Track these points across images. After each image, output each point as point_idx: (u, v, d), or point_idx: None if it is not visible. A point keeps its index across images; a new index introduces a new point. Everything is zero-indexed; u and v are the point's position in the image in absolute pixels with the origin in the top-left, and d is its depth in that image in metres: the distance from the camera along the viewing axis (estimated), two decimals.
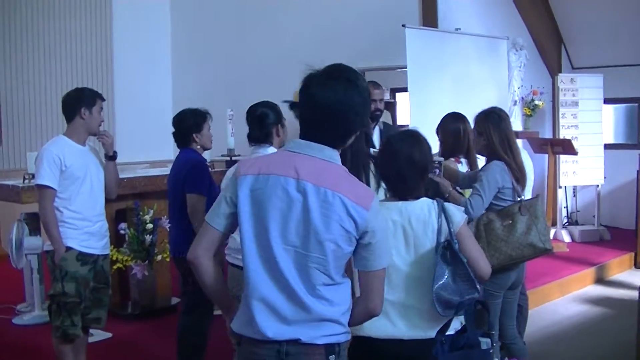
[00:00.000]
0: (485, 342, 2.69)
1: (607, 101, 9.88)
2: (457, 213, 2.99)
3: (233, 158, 7.43)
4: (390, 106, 11.09)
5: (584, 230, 9.65)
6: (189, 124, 4.57)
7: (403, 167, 2.94)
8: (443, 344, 2.65)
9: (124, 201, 6.13)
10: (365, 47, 8.61)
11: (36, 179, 4.32)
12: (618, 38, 9.98)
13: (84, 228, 4.34)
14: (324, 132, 2.42)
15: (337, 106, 2.37)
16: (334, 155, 2.45)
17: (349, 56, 8.61)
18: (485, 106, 5.22)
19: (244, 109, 4.24)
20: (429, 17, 8.40)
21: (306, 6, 9.12)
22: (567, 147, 8.65)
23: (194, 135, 4.56)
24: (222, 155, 7.58)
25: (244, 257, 2.42)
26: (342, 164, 3.91)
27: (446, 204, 3.00)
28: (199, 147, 4.60)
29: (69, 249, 4.29)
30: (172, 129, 4.64)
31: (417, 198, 2.97)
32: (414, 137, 3.04)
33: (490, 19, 9.38)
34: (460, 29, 8.42)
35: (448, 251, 2.87)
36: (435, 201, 2.98)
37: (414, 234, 2.90)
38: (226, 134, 7.54)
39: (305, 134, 2.45)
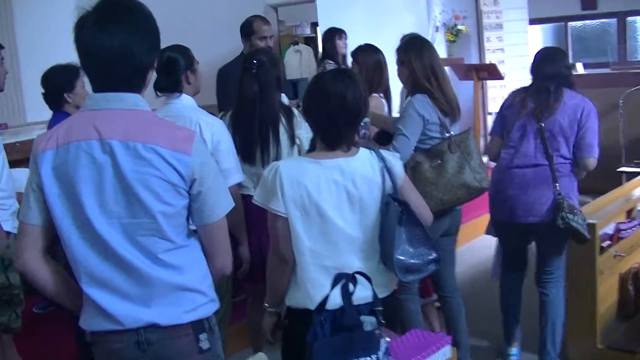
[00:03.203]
0: (369, 322, 2.30)
1: (533, 22, 9.57)
2: (397, 164, 2.69)
3: None
4: (312, 41, 10.64)
5: None
6: (59, 83, 4.07)
7: (333, 110, 2.56)
8: (323, 325, 2.25)
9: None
10: None
11: None
12: None
13: (12, 207, 3.61)
14: (114, 77, 2.04)
15: (116, 47, 2.00)
16: (137, 100, 2.08)
17: None
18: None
19: None
20: None
21: None
22: (493, 72, 8.36)
23: (65, 95, 4.06)
24: None
25: (66, 246, 2.05)
26: (249, 120, 3.59)
27: (384, 153, 2.68)
28: (72, 107, 4.07)
29: (7, 233, 3.52)
30: (42, 90, 4.13)
31: (349, 148, 2.61)
32: (347, 76, 2.64)
33: None
34: None
35: (404, 215, 2.58)
36: (372, 151, 2.65)
37: (359, 194, 2.57)
38: None
39: (96, 86, 2.08)
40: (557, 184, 3.83)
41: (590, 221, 3.81)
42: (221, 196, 2.18)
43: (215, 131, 3.35)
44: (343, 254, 2.59)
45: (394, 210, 2.58)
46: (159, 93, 3.48)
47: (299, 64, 9.28)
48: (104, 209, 2.02)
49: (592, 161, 3.89)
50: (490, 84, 8.94)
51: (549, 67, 3.95)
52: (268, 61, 3.64)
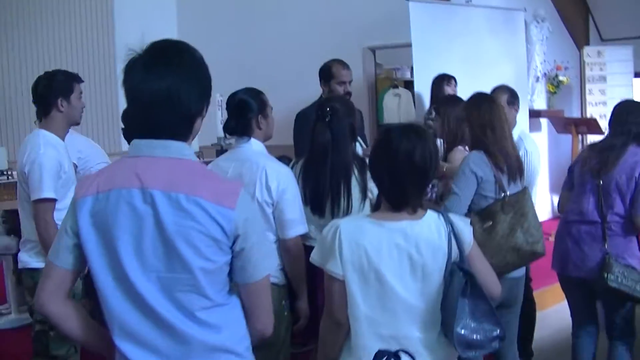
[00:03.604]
0: None
1: (638, 75, 9.14)
2: (466, 230, 2.51)
3: (224, 147, 6.88)
4: (411, 85, 10.46)
5: None
6: None
7: (400, 169, 2.42)
8: None
9: None
10: (374, 25, 8.09)
11: (36, 191, 3.58)
12: None
13: None
14: (158, 124, 1.95)
15: (162, 92, 1.92)
16: (183, 148, 1.98)
17: (358, 35, 8.23)
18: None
19: None
20: None
21: None
22: (592, 127, 7.98)
23: None
24: (212, 145, 7.07)
25: (101, 295, 1.96)
26: (320, 170, 3.49)
27: (453, 218, 2.50)
28: None
29: None
30: (122, 126, 4.14)
31: (415, 210, 2.45)
32: (415, 133, 2.48)
33: None
34: (471, 0, 7.75)
35: (468, 286, 2.41)
36: (441, 215, 2.47)
37: (423, 261, 2.41)
38: (216, 121, 7.01)
39: (141, 132, 1.99)
40: (606, 243, 3.74)
41: None
42: (265, 254, 2.08)
43: (282, 179, 3.24)
44: (401, 323, 2.42)
45: (458, 281, 2.39)
46: (227, 135, 3.42)
47: (398, 109, 9.10)
48: (142, 261, 1.93)
49: None
50: (591, 138, 8.55)
51: (623, 122, 3.90)
52: (342, 109, 3.54)
